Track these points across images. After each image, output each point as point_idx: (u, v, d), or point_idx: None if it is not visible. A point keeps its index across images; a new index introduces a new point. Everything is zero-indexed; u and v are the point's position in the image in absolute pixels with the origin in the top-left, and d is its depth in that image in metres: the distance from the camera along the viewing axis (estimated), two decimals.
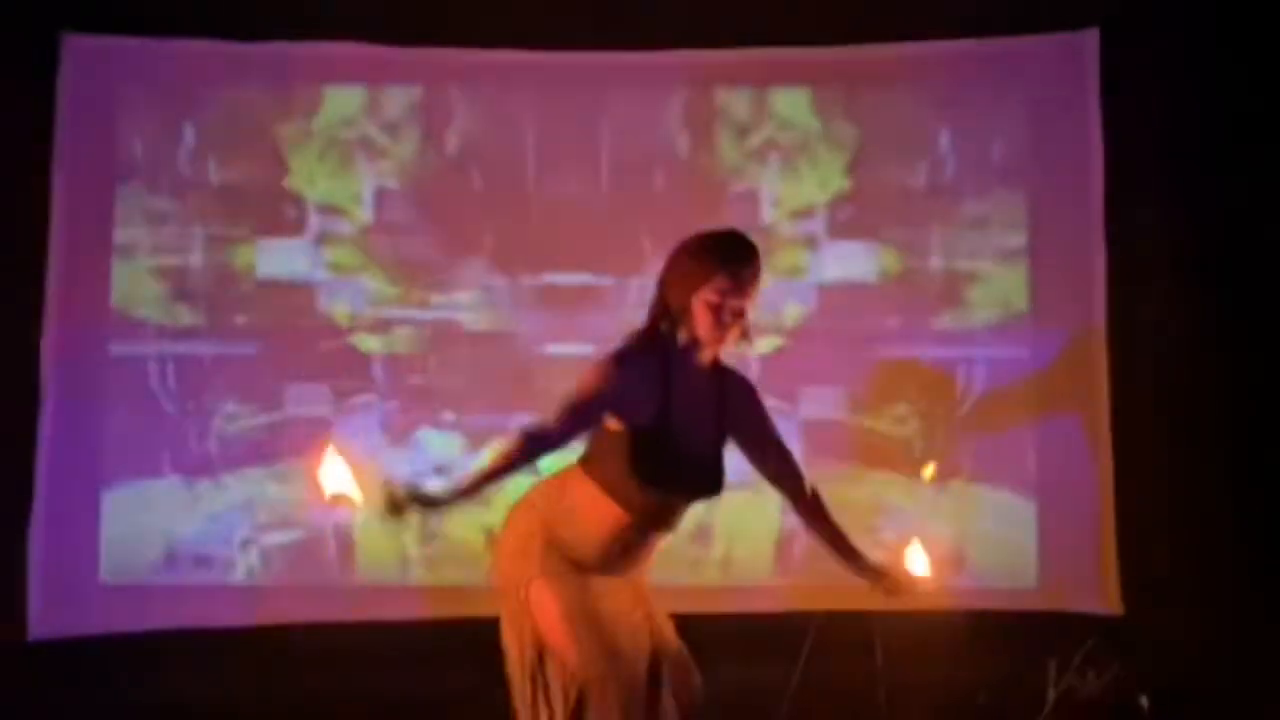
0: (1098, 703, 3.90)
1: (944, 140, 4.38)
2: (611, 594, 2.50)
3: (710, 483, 2.52)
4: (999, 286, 4.35)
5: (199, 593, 4.21)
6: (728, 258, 2.45)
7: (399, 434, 4.31)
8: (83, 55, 4.31)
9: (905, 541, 2.88)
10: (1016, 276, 4.35)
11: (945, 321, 4.35)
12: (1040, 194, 4.35)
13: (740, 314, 2.45)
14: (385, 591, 4.24)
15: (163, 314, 4.30)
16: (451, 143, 4.38)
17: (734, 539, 4.24)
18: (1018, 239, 4.36)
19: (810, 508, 2.68)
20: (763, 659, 3.75)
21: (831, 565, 4.12)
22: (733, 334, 2.47)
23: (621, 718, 2.40)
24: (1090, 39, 4.33)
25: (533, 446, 2.36)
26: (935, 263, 4.34)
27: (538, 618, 2.47)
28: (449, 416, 4.32)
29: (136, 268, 4.31)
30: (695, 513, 2.65)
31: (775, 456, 2.66)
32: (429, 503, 2.30)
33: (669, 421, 2.43)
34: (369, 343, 4.34)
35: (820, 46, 4.36)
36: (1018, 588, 4.24)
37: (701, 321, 2.45)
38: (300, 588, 4.22)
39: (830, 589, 4.02)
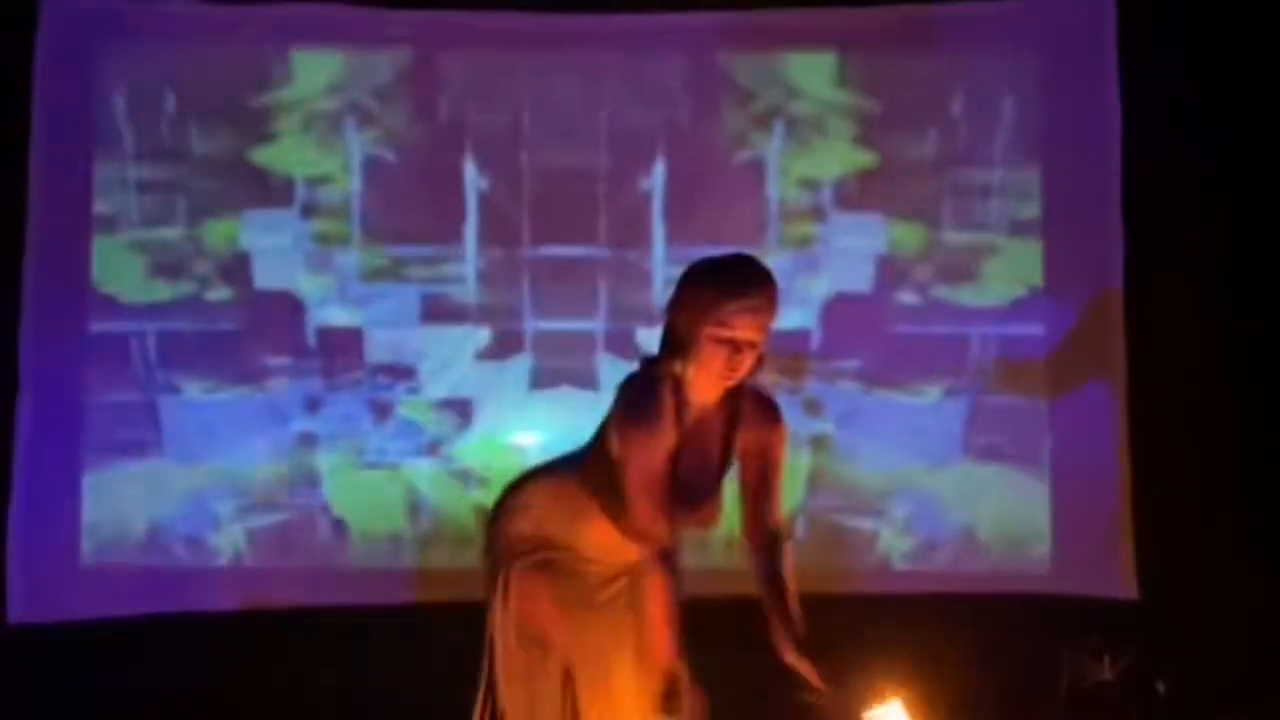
0: (1113, 689, 3.84)
1: (956, 108, 4.25)
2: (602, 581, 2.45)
3: (700, 515, 2.40)
4: (1013, 260, 4.24)
5: (183, 576, 4.11)
6: (735, 287, 2.25)
7: (388, 411, 4.19)
8: (63, 17, 4.17)
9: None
10: (1031, 250, 4.23)
11: (957, 296, 4.24)
12: (1056, 164, 4.24)
13: (751, 347, 2.26)
14: (376, 574, 4.14)
15: (144, 289, 4.18)
16: (443, 110, 4.24)
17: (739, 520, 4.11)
18: (1032, 211, 4.24)
19: (768, 554, 2.42)
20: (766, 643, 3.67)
21: (839, 549, 4.11)
22: (743, 369, 2.28)
23: (606, 703, 2.36)
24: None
25: (671, 554, 2.32)
26: (947, 236, 4.22)
27: (521, 603, 2.41)
28: (440, 393, 4.20)
29: (116, 240, 4.19)
30: None
31: (760, 488, 2.43)
32: None
33: (676, 454, 2.30)
34: (356, 317, 4.21)
35: (828, 8, 4.25)
36: (1031, 571, 4.16)
37: (709, 356, 2.27)
38: (288, 570, 4.12)
39: (836, 573, 4.00)
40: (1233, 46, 4.14)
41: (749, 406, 2.40)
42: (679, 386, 2.30)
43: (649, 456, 2.26)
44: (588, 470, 2.40)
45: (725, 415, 2.38)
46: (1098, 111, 4.20)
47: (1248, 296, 4.13)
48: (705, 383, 2.32)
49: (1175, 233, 4.14)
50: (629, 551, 2.41)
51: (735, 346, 2.25)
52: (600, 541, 2.41)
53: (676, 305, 2.32)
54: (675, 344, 2.31)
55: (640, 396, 2.30)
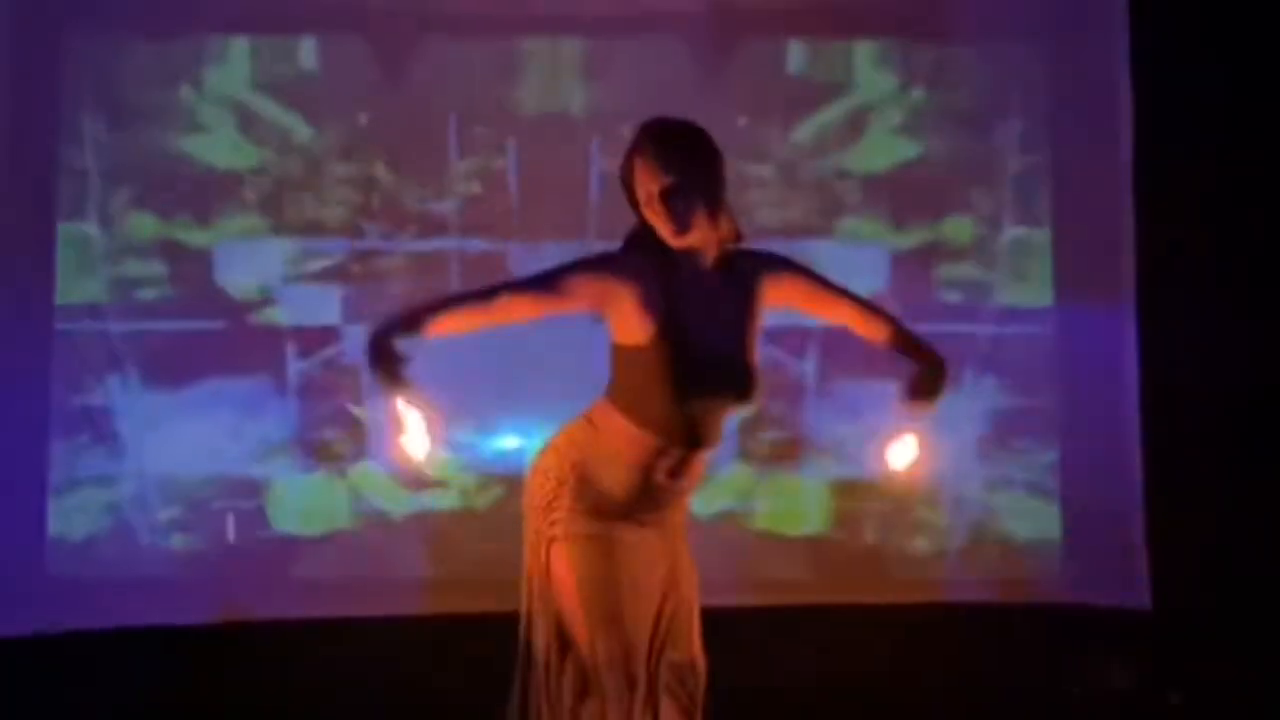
0: (1127, 699, 3.85)
1: (968, 100, 4.13)
2: (636, 551, 2.38)
3: (736, 385, 2.38)
4: (1026, 260, 4.12)
5: (154, 585, 3.93)
6: (654, 137, 2.35)
7: (352, 413, 4.02)
8: (24, 7, 4.02)
9: None
10: (1043, 249, 4.11)
11: (967, 294, 4.12)
12: (1065, 161, 4.12)
13: (684, 190, 2.30)
14: (350, 586, 3.98)
15: (112, 289, 4.01)
16: (417, 99, 4.05)
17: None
18: (1042, 207, 4.12)
19: (890, 336, 2.54)
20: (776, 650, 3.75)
21: (846, 557, 3.99)
22: (688, 219, 2.31)
23: (614, 689, 2.34)
24: None
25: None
26: (960, 233, 4.10)
27: (554, 580, 2.39)
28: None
29: (82, 237, 4.01)
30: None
31: (832, 307, 2.54)
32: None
33: (679, 324, 2.31)
34: (325, 315, 4.03)
35: None
36: (1043, 579, 4.05)
37: (655, 214, 2.33)
38: (264, 580, 3.96)
39: (843, 581, 3.96)
40: (1254, 30, 4.04)
41: (748, 267, 2.43)
42: (664, 253, 2.34)
43: (573, 272, 2.32)
44: (610, 385, 2.41)
45: (729, 285, 2.40)
46: (1110, 98, 4.08)
47: (1268, 294, 4.03)
48: (694, 250, 2.35)
49: (1190, 232, 4.03)
50: (666, 485, 2.38)
51: (665, 195, 2.29)
52: (632, 464, 2.36)
53: (622, 177, 2.38)
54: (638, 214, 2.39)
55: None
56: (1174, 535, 3.98)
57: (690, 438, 2.36)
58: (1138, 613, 3.98)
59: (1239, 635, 3.89)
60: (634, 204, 2.37)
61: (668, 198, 2.29)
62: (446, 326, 2.28)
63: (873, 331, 2.53)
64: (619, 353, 2.37)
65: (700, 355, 2.31)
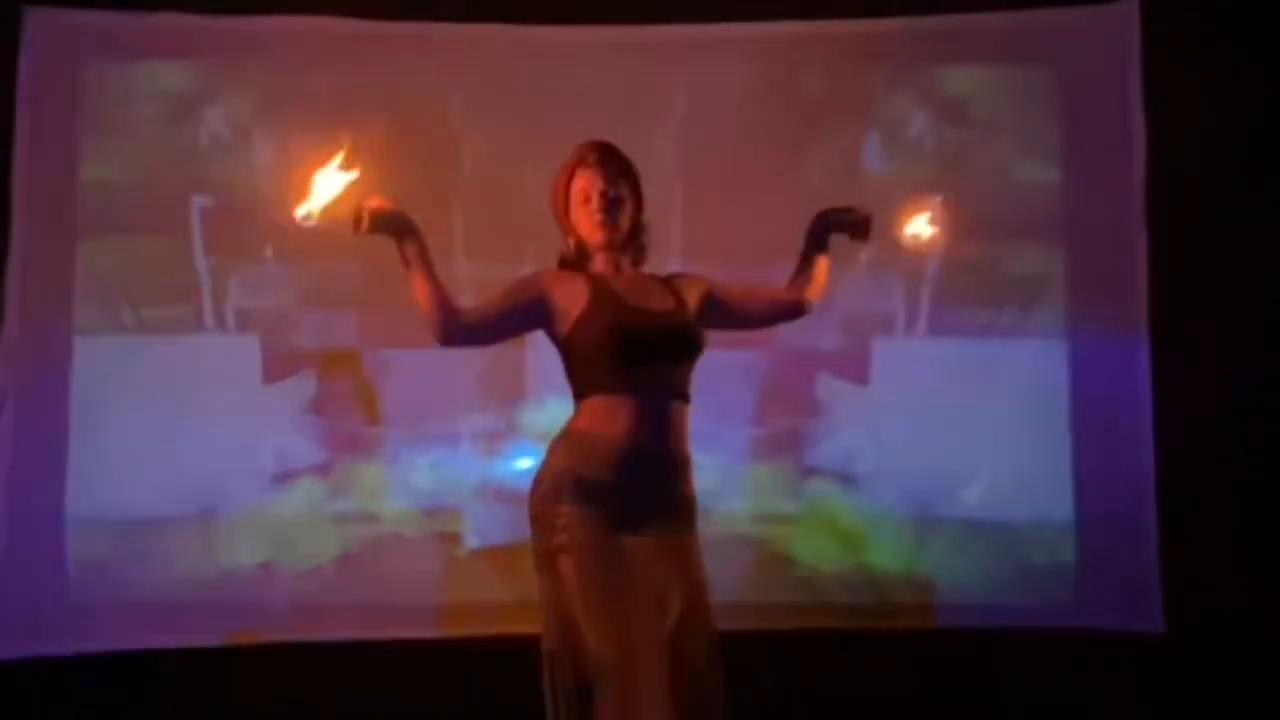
0: None
1: (977, 119, 4.14)
2: (644, 558, 2.44)
3: (674, 327, 2.58)
4: (1034, 285, 4.10)
5: (174, 610, 3.94)
6: (580, 153, 2.65)
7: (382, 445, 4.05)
8: (45, 29, 4.05)
9: None
10: (1053, 275, 4.10)
11: (973, 318, 4.12)
12: (1077, 182, 4.11)
13: (608, 198, 2.60)
14: (361, 610, 3.98)
15: (126, 309, 4.04)
16: (438, 129, 4.08)
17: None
18: (1053, 228, 4.10)
19: (800, 286, 2.86)
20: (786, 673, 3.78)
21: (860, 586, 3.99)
22: (616, 218, 2.60)
23: (622, 696, 2.36)
24: (1129, 11, 4.08)
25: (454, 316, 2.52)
26: (967, 259, 4.03)
27: (564, 588, 2.44)
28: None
29: (106, 255, 4.05)
30: None
31: (745, 307, 2.81)
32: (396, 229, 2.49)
33: (608, 287, 2.57)
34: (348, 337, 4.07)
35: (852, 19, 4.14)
36: (1056, 605, 4.01)
37: (581, 221, 2.63)
38: (278, 604, 3.97)
39: (859, 608, 3.96)
40: (1265, 52, 4.04)
41: (662, 278, 2.71)
42: (588, 266, 2.64)
43: (513, 287, 2.60)
44: (572, 385, 2.59)
45: (652, 281, 2.68)
46: (1121, 125, 4.05)
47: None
48: (614, 261, 2.64)
49: (1204, 259, 4.00)
50: (665, 464, 2.51)
51: (596, 198, 2.60)
52: (616, 434, 2.48)
53: (553, 208, 2.67)
54: (568, 234, 2.67)
55: None
56: (1188, 560, 3.95)
57: (655, 386, 2.51)
58: (1151, 637, 3.95)
59: (1253, 660, 3.88)
60: (562, 210, 2.66)
61: (606, 199, 2.60)
62: (432, 289, 2.49)
63: (787, 295, 2.84)
64: (566, 347, 2.58)
65: (634, 314, 2.55)
